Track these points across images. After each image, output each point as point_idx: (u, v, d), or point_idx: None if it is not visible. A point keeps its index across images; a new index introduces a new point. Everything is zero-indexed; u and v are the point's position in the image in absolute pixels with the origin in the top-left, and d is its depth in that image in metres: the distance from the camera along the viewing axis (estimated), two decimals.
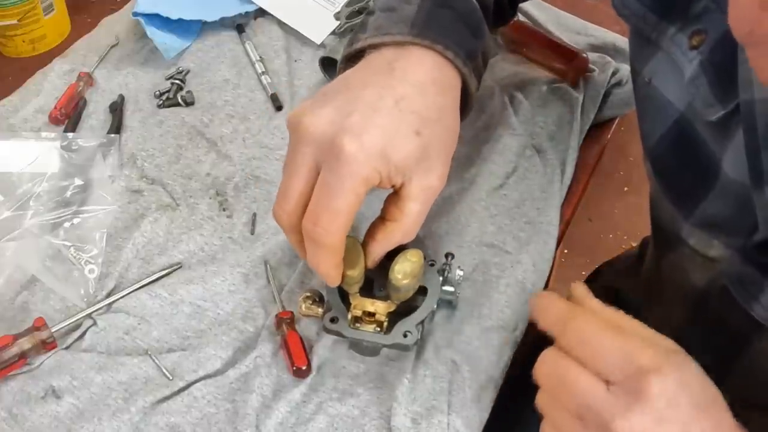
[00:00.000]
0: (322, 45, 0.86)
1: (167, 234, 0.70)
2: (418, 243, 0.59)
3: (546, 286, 0.73)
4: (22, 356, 0.60)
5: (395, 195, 0.56)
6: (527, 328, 0.66)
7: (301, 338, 0.61)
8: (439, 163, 0.56)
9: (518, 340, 0.65)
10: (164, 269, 0.67)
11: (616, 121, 0.83)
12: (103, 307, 0.65)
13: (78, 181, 0.72)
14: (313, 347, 0.62)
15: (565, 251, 1.75)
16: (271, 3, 0.90)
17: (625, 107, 0.82)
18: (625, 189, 1.94)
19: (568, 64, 0.82)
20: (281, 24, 0.89)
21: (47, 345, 0.61)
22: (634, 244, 0.86)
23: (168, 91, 0.81)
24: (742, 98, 0.46)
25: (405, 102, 0.53)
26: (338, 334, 0.58)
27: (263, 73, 0.83)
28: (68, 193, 0.71)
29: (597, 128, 0.82)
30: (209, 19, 0.88)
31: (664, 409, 0.44)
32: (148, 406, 0.59)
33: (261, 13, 0.90)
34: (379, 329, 0.58)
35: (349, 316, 0.58)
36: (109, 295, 0.65)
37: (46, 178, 0.72)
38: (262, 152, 0.76)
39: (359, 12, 0.83)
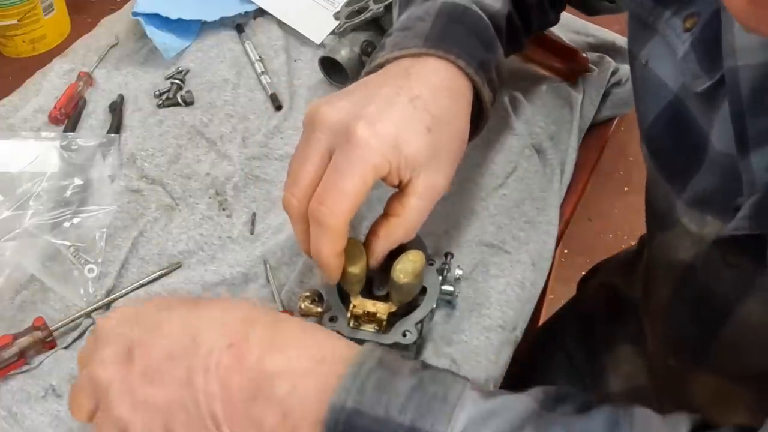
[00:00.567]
0: (322, 45, 0.86)
1: (167, 233, 0.70)
2: (417, 242, 0.60)
3: (545, 286, 0.73)
4: (22, 356, 0.60)
5: (399, 192, 0.57)
6: (527, 327, 0.66)
7: None
8: (446, 164, 0.57)
9: (518, 340, 0.65)
10: (163, 269, 0.67)
11: (616, 120, 0.83)
12: (102, 306, 0.65)
13: (78, 181, 0.72)
14: None
15: (565, 251, 1.75)
16: (270, 3, 0.90)
17: (625, 107, 0.82)
18: (625, 189, 1.94)
19: (568, 64, 0.82)
20: (281, 24, 0.89)
21: (47, 344, 0.61)
22: (634, 243, 0.86)
23: (168, 91, 0.81)
24: (726, 65, 0.48)
25: (419, 101, 0.56)
26: (337, 333, 0.58)
27: (263, 72, 0.83)
28: (68, 193, 0.71)
29: (597, 128, 0.82)
30: (209, 19, 0.88)
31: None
32: None
33: (261, 12, 0.90)
34: (378, 329, 0.58)
35: (349, 315, 0.58)
36: (108, 295, 0.65)
37: (46, 178, 0.72)
38: (262, 152, 0.76)
39: (359, 12, 0.83)
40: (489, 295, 0.65)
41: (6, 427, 0.58)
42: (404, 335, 0.57)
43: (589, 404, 0.46)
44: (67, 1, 0.92)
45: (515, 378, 0.68)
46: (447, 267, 0.62)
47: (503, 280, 0.66)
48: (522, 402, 0.46)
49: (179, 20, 0.85)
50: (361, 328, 0.58)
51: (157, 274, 0.67)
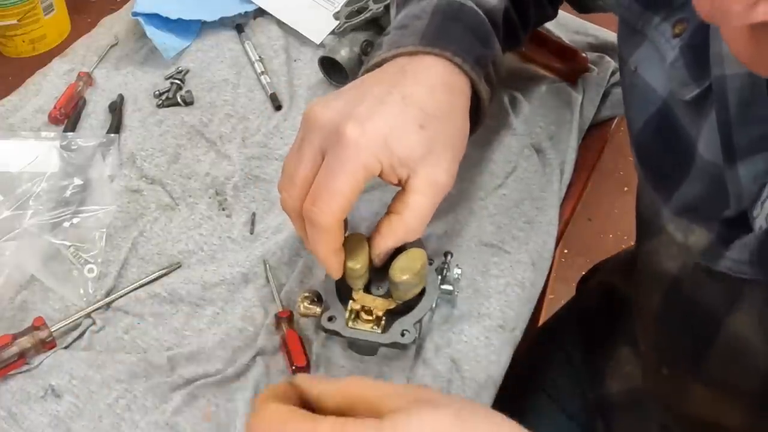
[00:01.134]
0: (322, 45, 0.86)
1: (166, 233, 0.70)
2: (416, 242, 0.60)
3: (545, 286, 0.73)
4: (22, 356, 0.60)
5: (402, 190, 0.57)
6: (527, 327, 0.66)
7: (300, 337, 0.61)
8: (445, 159, 0.57)
9: (518, 340, 0.65)
10: (163, 269, 0.67)
11: (616, 121, 0.83)
12: (102, 306, 0.65)
13: (77, 181, 0.72)
14: (312, 346, 0.62)
15: (565, 251, 1.75)
16: (270, 3, 0.90)
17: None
18: (625, 189, 1.94)
19: (568, 64, 0.82)
20: (280, 24, 0.89)
21: (46, 344, 0.61)
22: (633, 244, 0.86)
23: (167, 91, 0.81)
24: (714, 74, 0.47)
25: (412, 98, 0.56)
26: (335, 333, 0.58)
27: (262, 72, 0.83)
28: (68, 193, 0.71)
29: (596, 128, 0.82)
30: (209, 19, 0.88)
31: None
32: (147, 405, 0.59)
33: (260, 12, 0.90)
34: (376, 328, 0.58)
35: (348, 309, 0.58)
36: (108, 295, 0.65)
37: (46, 178, 0.72)
38: (262, 152, 0.76)
39: (359, 12, 0.83)
40: (489, 295, 0.65)
41: (5, 427, 0.58)
42: (402, 335, 0.57)
43: None
44: (67, 1, 0.92)
45: (515, 378, 0.68)
46: (446, 266, 0.62)
47: (503, 280, 0.66)
48: None
49: (179, 20, 0.85)
50: (359, 327, 0.58)
51: (156, 274, 0.67)
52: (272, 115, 0.80)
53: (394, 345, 0.57)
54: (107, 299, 0.65)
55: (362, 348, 0.58)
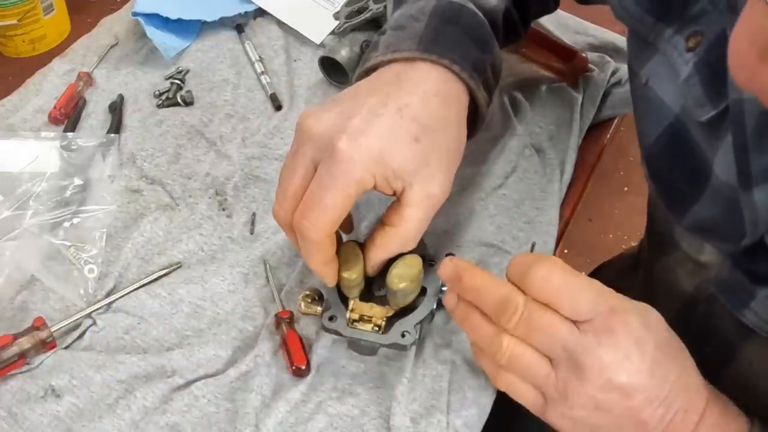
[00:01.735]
0: (322, 45, 0.86)
1: (167, 234, 0.70)
2: (419, 243, 0.60)
3: None
4: (22, 356, 0.60)
5: (397, 201, 0.56)
6: None
7: (300, 338, 0.61)
8: (440, 172, 0.56)
9: None
10: (164, 269, 0.67)
11: (616, 121, 0.83)
12: (102, 306, 0.65)
13: (77, 181, 0.72)
14: (312, 347, 0.62)
15: (565, 251, 1.75)
16: (270, 3, 0.90)
17: (625, 107, 0.82)
18: (625, 189, 1.94)
19: (568, 64, 0.82)
20: (281, 24, 0.89)
21: (47, 344, 0.61)
22: (634, 244, 0.86)
23: (167, 91, 0.81)
24: (731, 97, 0.46)
25: (407, 110, 0.55)
26: (336, 332, 0.58)
27: (262, 72, 0.83)
28: (68, 193, 0.71)
29: (597, 128, 0.82)
30: (209, 19, 0.88)
31: (632, 346, 0.47)
32: (148, 405, 0.59)
33: (260, 13, 0.90)
34: (377, 329, 0.58)
35: (347, 318, 0.58)
36: (108, 295, 0.65)
37: (46, 178, 0.72)
38: (262, 152, 0.76)
39: (359, 12, 0.83)
40: None
41: (5, 428, 0.58)
42: (403, 336, 0.57)
43: None
44: (67, 1, 0.92)
45: None
46: None
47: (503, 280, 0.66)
48: None
49: (179, 20, 0.85)
50: (360, 327, 0.58)
51: (157, 274, 0.67)
52: (272, 115, 0.80)
53: (394, 346, 0.57)
54: (108, 299, 0.65)
55: (362, 348, 0.59)
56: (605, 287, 0.49)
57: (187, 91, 0.82)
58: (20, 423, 0.58)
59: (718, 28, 0.48)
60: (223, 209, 0.72)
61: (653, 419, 0.48)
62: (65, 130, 0.77)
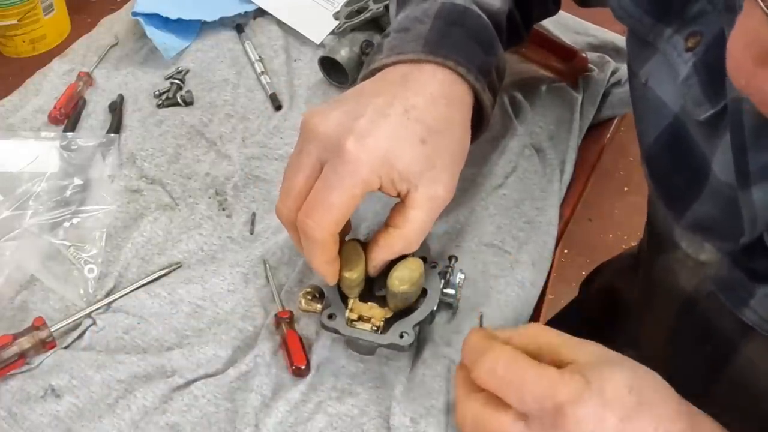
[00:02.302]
0: (322, 45, 0.86)
1: (166, 233, 0.70)
2: (420, 244, 0.60)
3: (545, 286, 0.73)
4: (22, 356, 0.60)
5: (401, 203, 0.56)
6: None
7: (300, 338, 0.61)
8: (445, 174, 0.57)
9: None
10: (163, 269, 0.67)
11: (616, 121, 0.83)
12: (102, 306, 0.65)
13: (77, 181, 0.72)
14: (312, 346, 0.62)
15: (565, 251, 1.75)
16: (270, 3, 0.90)
17: (625, 107, 0.82)
18: (625, 189, 1.94)
19: (567, 64, 0.82)
20: (280, 24, 0.89)
21: (47, 344, 0.61)
22: (634, 244, 0.86)
23: (167, 91, 0.81)
24: (730, 96, 0.46)
25: (414, 111, 0.55)
26: (335, 331, 0.58)
27: (262, 72, 0.83)
28: (68, 193, 0.71)
29: (596, 128, 0.82)
30: (209, 19, 0.88)
31: None
32: (147, 405, 0.59)
33: (260, 12, 0.90)
34: (375, 329, 0.58)
35: (346, 318, 0.58)
36: (108, 295, 0.65)
37: (46, 178, 0.72)
38: (262, 152, 0.76)
39: (359, 12, 0.83)
40: (489, 295, 0.65)
41: (5, 427, 0.58)
42: (401, 336, 0.57)
43: None
44: (67, 1, 0.92)
45: None
46: (450, 270, 0.62)
47: (503, 280, 0.66)
48: None
49: (179, 20, 0.85)
50: (359, 326, 0.58)
51: (157, 274, 0.67)
52: (272, 115, 0.80)
53: (392, 346, 0.57)
54: (107, 299, 0.65)
55: (361, 347, 0.59)
56: (557, 373, 0.47)
57: (187, 91, 0.82)
58: (20, 423, 0.58)
59: (716, 28, 0.48)
60: (223, 209, 0.72)
61: None
62: (65, 130, 0.77)
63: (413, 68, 0.58)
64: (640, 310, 0.71)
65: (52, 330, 0.61)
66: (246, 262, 0.68)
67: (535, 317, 0.92)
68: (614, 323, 0.79)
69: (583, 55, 0.82)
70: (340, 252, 0.57)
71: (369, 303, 0.59)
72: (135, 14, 0.84)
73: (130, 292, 0.65)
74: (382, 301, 0.59)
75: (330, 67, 0.82)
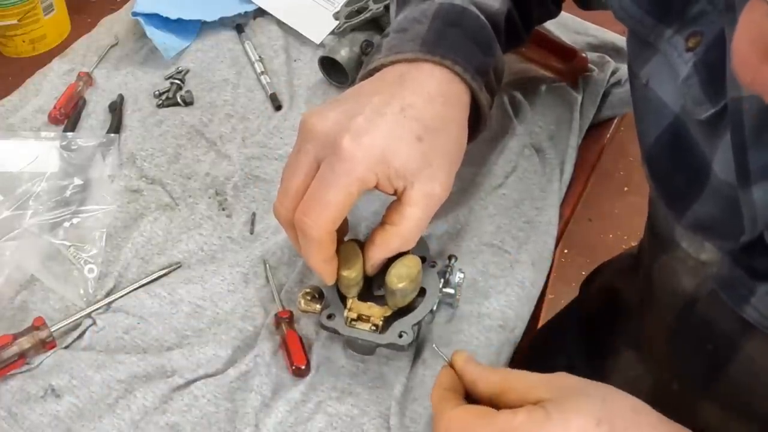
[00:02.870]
0: (322, 45, 0.86)
1: (166, 234, 0.70)
2: (420, 243, 0.59)
3: (545, 286, 0.73)
4: (22, 356, 0.60)
5: (397, 201, 0.57)
6: (526, 328, 0.66)
7: (300, 338, 0.61)
8: (441, 172, 0.57)
9: (518, 340, 0.65)
10: (163, 269, 0.67)
11: (616, 121, 0.83)
12: (102, 306, 0.65)
13: (77, 181, 0.72)
14: (312, 346, 0.62)
15: (565, 251, 1.75)
16: (270, 2, 0.90)
17: (625, 107, 0.82)
18: (625, 189, 1.94)
19: (567, 64, 0.82)
20: (280, 24, 0.89)
21: (47, 344, 0.61)
22: (634, 244, 0.85)
23: (167, 91, 0.81)
24: (730, 95, 0.46)
25: (411, 110, 0.55)
26: (334, 331, 0.58)
27: (262, 72, 0.83)
28: (68, 193, 0.71)
29: (596, 128, 0.82)
30: (208, 19, 0.88)
31: None
32: (147, 405, 0.59)
33: (260, 13, 0.90)
34: (374, 328, 0.58)
35: (345, 317, 0.58)
36: (108, 295, 0.65)
37: (46, 178, 0.72)
38: (262, 152, 0.76)
39: (359, 12, 0.83)
40: (489, 295, 0.65)
41: (5, 427, 0.58)
42: (400, 336, 0.57)
43: None
44: (67, 1, 0.92)
45: None
46: (449, 270, 0.62)
47: (503, 280, 0.66)
48: None
49: (179, 20, 0.85)
50: (358, 326, 0.58)
51: (157, 274, 0.67)
52: (272, 115, 0.80)
53: (391, 346, 0.57)
54: (107, 299, 0.65)
55: (360, 347, 0.59)
56: (511, 414, 0.46)
57: (187, 91, 0.82)
58: (20, 423, 0.58)
59: (717, 28, 0.48)
60: (223, 209, 0.72)
61: None
62: (65, 130, 0.77)
63: (411, 68, 0.58)
64: (641, 310, 0.71)
65: (52, 330, 0.61)
66: (246, 262, 0.68)
67: (534, 317, 0.92)
68: (614, 323, 0.79)
69: (583, 55, 0.82)
70: (337, 251, 0.57)
71: (368, 303, 0.59)
72: (135, 14, 0.84)
73: (130, 292, 0.65)
74: (382, 301, 0.59)
75: (330, 67, 0.82)
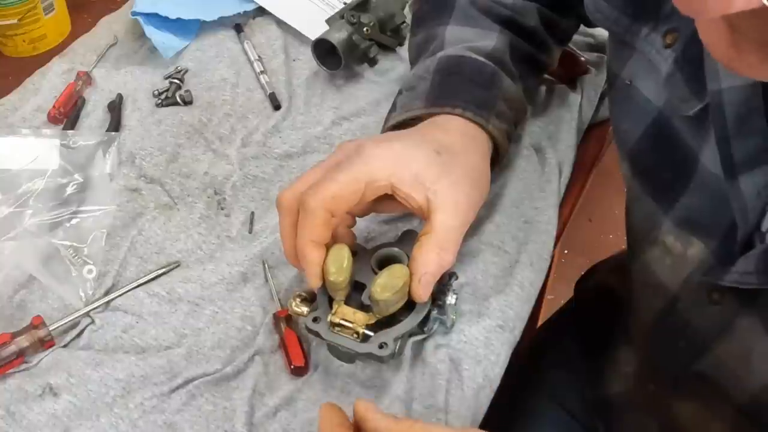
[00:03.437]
0: None
1: (165, 233, 0.70)
2: (401, 255, 0.60)
3: (545, 286, 0.73)
4: (20, 354, 0.60)
5: (427, 222, 0.57)
6: (526, 327, 0.66)
7: (298, 337, 0.61)
8: (464, 184, 0.58)
9: (517, 340, 0.65)
10: (162, 268, 0.67)
11: None
12: (101, 305, 0.65)
13: (77, 179, 0.72)
14: (311, 346, 0.62)
15: (565, 251, 1.75)
16: (270, 2, 0.90)
17: None
18: (625, 189, 1.94)
19: (565, 66, 0.82)
20: (279, 23, 0.89)
21: (45, 343, 0.61)
22: None
23: (166, 90, 0.81)
24: (710, 88, 0.47)
25: (430, 135, 0.60)
26: (317, 335, 0.58)
27: (261, 72, 0.84)
28: (67, 192, 0.71)
29: (595, 128, 0.82)
30: (208, 19, 0.88)
31: None
32: (146, 404, 0.59)
33: (259, 12, 0.90)
34: (356, 336, 0.57)
35: (328, 321, 0.57)
36: (107, 294, 0.65)
37: (46, 176, 0.72)
38: (260, 151, 0.76)
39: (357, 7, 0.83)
40: (488, 295, 0.65)
41: (4, 426, 0.58)
42: (380, 347, 0.56)
43: None
44: (67, 1, 0.93)
45: (515, 378, 0.68)
46: (447, 288, 0.60)
47: (502, 280, 0.66)
48: None
49: (178, 20, 0.85)
50: (342, 333, 0.57)
51: (155, 273, 0.67)
52: (271, 115, 0.80)
53: (370, 356, 0.56)
54: (106, 298, 0.65)
55: (341, 354, 0.58)
56: None
57: (186, 91, 0.82)
58: (18, 421, 0.58)
59: (692, 23, 0.49)
60: (222, 208, 0.72)
61: None
62: (64, 129, 0.77)
63: (428, 119, 0.63)
64: (629, 308, 0.72)
65: (51, 329, 0.61)
66: (244, 261, 0.68)
67: (534, 317, 0.92)
68: (610, 321, 0.79)
69: (582, 58, 0.82)
70: (327, 255, 0.57)
71: (354, 309, 0.58)
72: (134, 14, 0.84)
73: (129, 291, 0.65)
74: (369, 309, 0.58)
75: (324, 55, 0.82)
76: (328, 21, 0.83)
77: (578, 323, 0.88)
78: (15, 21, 0.86)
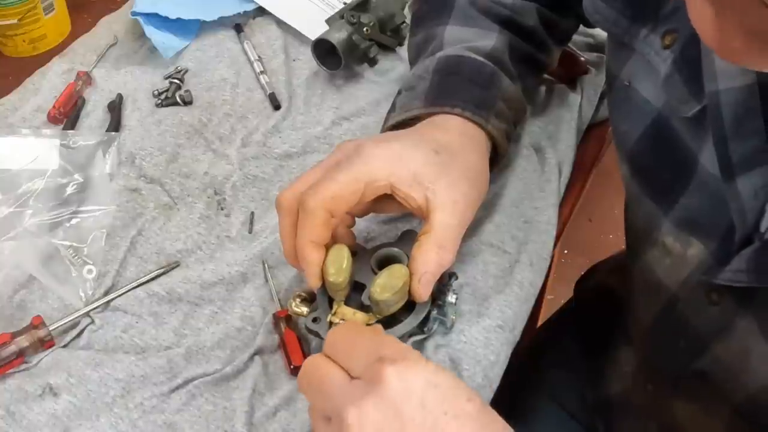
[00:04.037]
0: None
1: (165, 233, 0.70)
2: (401, 255, 0.59)
3: (545, 286, 0.73)
4: (20, 354, 0.60)
5: (426, 221, 0.58)
6: (526, 327, 0.66)
7: (298, 337, 0.61)
8: (462, 184, 0.58)
9: (516, 340, 0.65)
10: (162, 268, 0.67)
11: None
12: (100, 305, 0.65)
13: (77, 180, 0.72)
14: (310, 346, 0.62)
15: (565, 251, 1.75)
16: (270, 2, 0.90)
17: None
18: (625, 189, 1.94)
19: (565, 66, 0.82)
20: (279, 23, 0.89)
21: (45, 343, 0.61)
22: None
23: (166, 91, 0.81)
24: (707, 90, 0.47)
25: (428, 135, 0.60)
26: (317, 334, 0.58)
27: (261, 72, 0.84)
28: (67, 192, 0.71)
29: (595, 128, 0.82)
30: (208, 19, 0.88)
31: (403, 402, 0.42)
32: (145, 403, 0.59)
33: (259, 12, 0.90)
34: None
35: (328, 321, 0.57)
36: (106, 294, 0.65)
37: (46, 176, 0.72)
38: (260, 151, 0.76)
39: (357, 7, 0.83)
40: (488, 295, 0.65)
41: (3, 426, 0.58)
42: None
43: None
44: (67, 1, 0.93)
45: (515, 378, 0.68)
46: (447, 289, 0.60)
47: (502, 280, 0.66)
48: None
49: (178, 20, 0.86)
50: None
51: (155, 273, 0.67)
52: (271, 115, 0.80)
53: None
54: (106, 298, 0.65)
55: None
56: (390, 338, 0.47)
57: (186, 91, 0.82)
58: (18, 421, 0.58)
59: (690, 25, 0.49)
60: (222, 208, 0.72)
61: None
62: (64, 129, 0.77)
63: (427, 119, 0.63)
64: (629, 308, 0.72)
65: (51, 329, 0.61)
66: (244, 261, 0.68)
67: (533, 317, 0.92)
68: (609, 322, 0.80)
69: (582, 58, 0.82)
70: (327, 255, 0.57)
71: (354, 309, 0.58)
72: (134, 14, 0.84)
73: (129, 291, 0.65)
74: (370, 309, 0.58)
75: (324, 55, 0.82)
76: (328, 21, 0.83)
77: (578, 323, 0.88)
78: (15, 21, 0.86)
